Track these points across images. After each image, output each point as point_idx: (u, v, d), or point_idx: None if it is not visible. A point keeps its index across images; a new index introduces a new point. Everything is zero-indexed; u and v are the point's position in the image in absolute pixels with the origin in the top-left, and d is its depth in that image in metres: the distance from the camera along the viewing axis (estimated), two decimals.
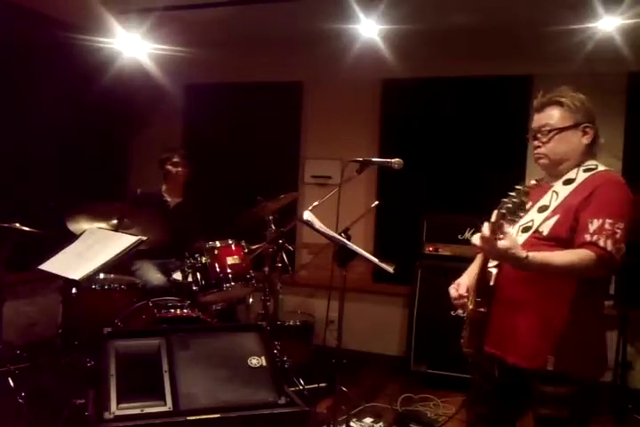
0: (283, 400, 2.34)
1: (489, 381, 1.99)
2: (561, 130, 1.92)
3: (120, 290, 3.41)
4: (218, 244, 3.53)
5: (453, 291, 2.03)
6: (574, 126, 1.92)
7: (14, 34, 4.01)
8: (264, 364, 2.46)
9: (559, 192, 1.89)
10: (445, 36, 4.03)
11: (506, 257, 1.68)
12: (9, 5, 3.88)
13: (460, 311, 1.99)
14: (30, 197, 4.23)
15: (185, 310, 3.15)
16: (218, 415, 2.21)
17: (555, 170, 1.96)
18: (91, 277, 2.64)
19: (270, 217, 3.75)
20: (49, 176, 4.41)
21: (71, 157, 4.55)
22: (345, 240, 2.56)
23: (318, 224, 2.52)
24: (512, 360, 1.87)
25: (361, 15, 3.54)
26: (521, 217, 1.65)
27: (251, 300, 4.12)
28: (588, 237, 1.73)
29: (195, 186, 4.26)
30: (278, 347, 3.59)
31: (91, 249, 2.76)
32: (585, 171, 1.90)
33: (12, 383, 3.20)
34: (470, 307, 1.94)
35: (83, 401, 2.69)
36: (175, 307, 3.18)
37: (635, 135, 4.04)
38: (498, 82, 4.26)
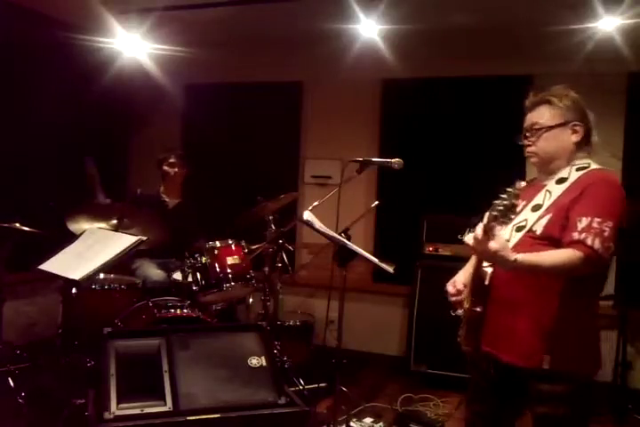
0: (283, 400, 2.34)
1: (486, 379, 2.00)
2: (550, 128, 1.93)
3: (120, 290, 3.41)
4: (218, 244, 3.53)
5: (451, 288, 2.05)
6: (563, 124, 1.93)
7: (14, 34, 4.00)
8: (264, 364, 2.46)
9: (552, 191, 1.91)
10: (445, 36, 4.03)
11: (495, 259, 1.71)
12: (9, 5, 3.88)
13: (459, 311, 2.01)
14: (30, 197, 4.23)
15: (185, 310, 3.15)
16: (218, 415, 2.21)
17: (547, 168, 1.98)
18: (91, 277, 2.64)
19: (270, 217, 3.75)
20: (49, 176, 4.41)
21: (71, 157, 4.55)
22: (345, 240, 2.57)
23: (318, 224, 2.52)
24: (508, 359, 1.88)
25: (361, 15, 3.54)
26: (512, 219, 1.67)
27: (251, 300, 4.12)
28: (575, 236, 1.74)
29: (194, 186, 4.26)
30: (278, 347, 3.59)
31: (91, 249, 2.76)
32: (578, 169, 1.91)
33: (11, 383, 3.20)
34: (466, 306, 1.95)
35: (83, 401, 2.69)
36: (175, 307, 3.18)
37: (635, 135, 4.04)
38: (498, 82, 4.26)
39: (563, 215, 1.81)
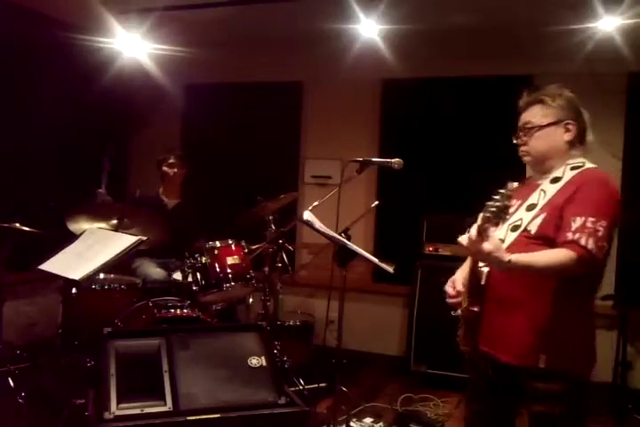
0: (283, 400, 2.34)
1: (484, 378, 2.01)
2: (541, 127, 1.94)
3: (120, 290, 3.41)
4: (218, 244, 3.52)
5: (450, 289, 2.05)
6: (555, 123, 1.93)
7: (14, 34, 4.01)
8: (264, 364, 2.46)
9: (547, 190, 1.91)
10: (445, 36, 4.03)
11: (489, 259, 1.71)
12: (9, 5, 3.88)
13: (459, 311, 2.02)
14: (30, 197, 4.23)
15: (185, 310, 3.15)
16: (218, 415, 2.21)
17: (541, 167, 1.99)
18: (91, 277, 2.64)
19: (270, 217, 3.75)
20: (49, 176, 4.41)
21: (71, 157, 4.55)
22: (345, 240, 2.57)
23: (318, 224, 2.52)
24: (504, 358, 1.89)
25: (361, 15, 3.54)
26: (505, 220, 1.68)
27: (251, 300, 4.12)
28: (569, 236, 1.74)
29: (194, 186, 4.26)
30: (278, 347, 3.59)
31: (91, 249, 2.76)
32: (572, 169, 1.91)
33: (11, 383, 3.20)
34: (464, 306, 1.96)
35: (83, 401, 2.69)
36: (175, 307, 3.18)
37: (635, 135, 4.04)
38: (498, 82, 4.26)
39: (557, 215, 1.82)
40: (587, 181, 1.84)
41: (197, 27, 4.11)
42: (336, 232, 2.60)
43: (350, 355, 2.98)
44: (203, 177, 4.44)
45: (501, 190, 1.62)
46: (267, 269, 3.72)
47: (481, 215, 1.64)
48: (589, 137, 1.97)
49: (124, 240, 2.76)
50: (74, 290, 3.07)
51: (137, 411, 2.18)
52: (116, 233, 2.99)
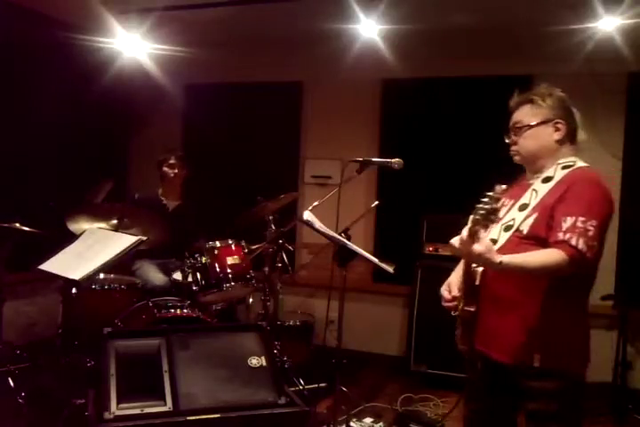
0: (283, 400, 2.34)
1: (481, 377, 2.02)
2: (531, 126, 1.96)
3: (120, 290, 3.41)
4: (218, 244, 3.52)
5: (446, 293, 2.06)
6: (545, 123, 1.95)
7: (14, 34, 4.00)
8: (264, 364, 2.46)
9: (538, 190, 1.92)
10: (445, 36, 4.03)
11: (480, 261, 1.73)
12: (9, 5, 3.88)
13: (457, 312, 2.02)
14: (30, 197, 4.23)
15: (185, 310, 3.15)
16: (218, 415, 2.21)
17: (532, 167, 2.00)
18: (91, 277, 2.64)
19: (270, 217, 3.75)
20: (49, 176, 4.41)
21: (71, 157, 4.55)
22: (345, 240, 2.57)
23: (318, 224, 2.52)
24: (499, 358, 1.90)
25: (361, 15, 3.54)
26: (495, 221, 1.70)
27: (251, 300, 4.12)
28: (560, 236, 1.75)
29: (194, 186, 4.25)
30: (278, 347, 3.59)
31: (91, 249, 2.76)
32: (563, 168, 1.92)
33: (11, 383, 3.20)
34: (460, 306, 1.97)
35: (83, 401, 2.69)
36: (175, 307, 3.18)
37: (635, 135, 4.04)
38: (498, 82, 4.24)
39: (548, 214, 1.83)
40: (577, 180, 1.85)
41: (197, 27, 4.11)
42: (336, 232, 2.60)
43: (350, 355, 2.97)
44: (203, 177, 4.44)
45: (489, 193, 1.64)
46: (267, 269, 3.72)
47: (471, 218, 1.66)
48: (581, 136, 1.98)
49: (124, 240, 2.76)
50: (74, 290, 3.07)
51: (137, 411, 2.18)
52: (116, 233, 2.98)
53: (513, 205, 1.97)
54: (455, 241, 1.75)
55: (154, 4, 3.67)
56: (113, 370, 2.28)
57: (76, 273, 2.57)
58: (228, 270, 3.44)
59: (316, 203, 2.58)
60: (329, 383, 3.24)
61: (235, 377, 2.38)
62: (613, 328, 3.80)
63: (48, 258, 2.79)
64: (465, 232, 1.69)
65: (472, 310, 1.92)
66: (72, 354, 3.19)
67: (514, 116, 2.03)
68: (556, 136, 1.95)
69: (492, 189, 1.65)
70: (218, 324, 3.32)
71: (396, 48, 4.06)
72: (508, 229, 1.91)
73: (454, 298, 2.02)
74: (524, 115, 1.98)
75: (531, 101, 1.98)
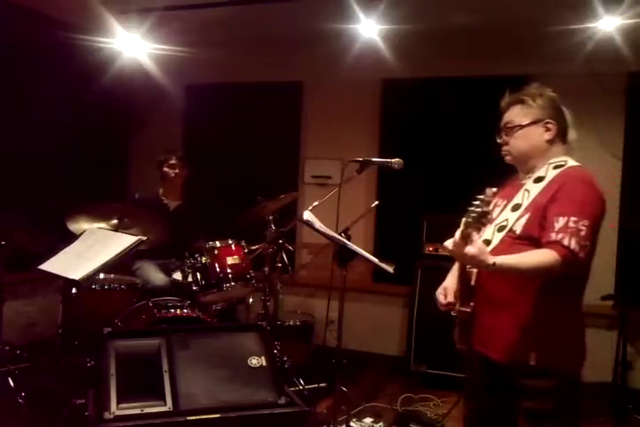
0: (283, 400, 2.34)
1: (480, 377, 2.03)
2: (521, 126, 1.97)
3: (120, 290, 3.41)
4: (218, 244, 3.52)
5: (441, 297, 2.08)
6: (535, 123, 1.96)
7: (14, 34, 4.01)
8: (264, 364, 2.46)
9: (530, 190, 1.93)
10: (445, 36, 4.03)
11: (473, 263, 1.75)
12: (9, 5, 3.88)
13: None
14: (30, 197, 4.23)
15: (185, 310, 3.15)
16: (218, 415, 2.21)
17: (524, 167, 2.02)
18: (91, 277, 2.64)
19: (270, 217, 3.75)
20: (49, 176, 4.41)
21: (71, 157, 4.55)
22: (345, 240, 2.56)
23: (318, 224, 2.52)
24: (495, 357, 1.92)
25: (361, 15, 3.54)
26: (486, 224, 1.71)
27: (251, 300, 4.12)
28: (553, 236, 1.76)
29: (194, 186, 4.25)
30: (278, 347, 3.59)
31: (91, 249, 2.76)
32: (555, 168, 1.93)
33: (11, 383, 3.20)
34: (457, 307, 1.99)
35: (83, 401, 2.69)
36: (175, 307, 3.18)
37: (635, 135, 4.04)
38: (498, 82, 4.23)
39: (541, 215, 1.84)
40: (569, 180, 1.86)
41: (197, 27, 4.11)
42: (336, 232, 2.60)
43: (350, 355, 2.97)
44: (203, 177, 4.43)
45: (480, 196, 1.66)
46: (267, 269, 3.72)
47: (463, 220, 1.67)
48: (571, 136, 1.99)
49: (124, 240, 2.76)
50: (74, 290, 3.06)
51: (137, 411, 2.18)
52: (116, 233, 2.98)
53: (506, 205, 1.98)
54: (448, 244, 1.75)
55: (154, 3, 3.67)
56: (113, 370, 2.28)
57: (76, 273, 2.57)
58: (228, 270, 3.44)
59: (316, 203, 2.58)
60: (329, 383, 3.24)
61: (235, 377, 2.38)
62: (613, 328, 3.80)
63: (48, 258, 2.79)
64: (457, 235, 1.71)
65: (468, 310, 1.94)
66: (72, 354, 3.19)
67: (505, 116, 2.04)
68: (547, 136, 1.96)
69: (482, 193, 1.67)
70: (218, 324, 3.32)
71: (395, 48, 4.06)
72: (501, 229, 1.92)
73: (449, 304, 2.04)
74: (515, 115, 2.00)
75: (521, 102, 1.99)
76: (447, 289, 2.08)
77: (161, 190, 4.11)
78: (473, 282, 1.94)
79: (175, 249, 3.72)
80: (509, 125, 2.00)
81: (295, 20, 3.97)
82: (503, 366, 1.90)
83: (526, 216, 1.87)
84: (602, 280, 3.87)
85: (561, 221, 1.76)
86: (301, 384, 3.45)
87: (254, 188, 4.07)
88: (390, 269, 2.64)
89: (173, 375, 2.30)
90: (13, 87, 4.15)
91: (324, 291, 3.38)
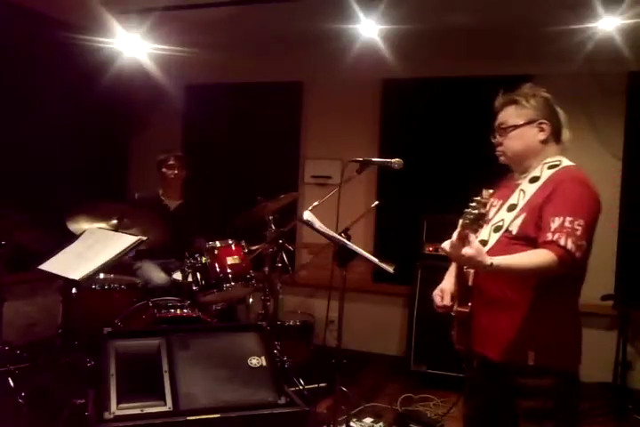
0: (283, 400, 2.34)
1: (479, 376, 2.04)
2: (515, 127, 1.98)
3: (120, 290, 3.41)
4: (218, 244, 3.52)
5: (438, 299, 2.09)
6: (529, 123, 1.97)
7: (14, 34, 4.01)
8: (264, 364, 2.46)
9: (526, 190, 1.94)
10: (445, 36, 4.03)
11: (471, 264, 1.74)
12: (9, 5, 3.88)
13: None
14: (30, 196, 4.23)
15: (185, 310, 3.15)
16: (218, 415, 2.21)
17: (518, 167, 2.02)
18: (91, 277, 2.64)
19: (270, 217, 3.75)
20: (49, 176, 4.41)
21: (71, 157, 4.55)
22: (345, 240, 2.56)
23: (318, 224, 2.52)
24: (493, 357, 1.92)
25: (361, 15, 3.54)
26: (482, 226, 1.71)
27: (251, 300, 4.12)
28: (549, 236, 1.76)
29: (195, 186, 4.25)
30: (278, 347, 3.59)
31: (91, 249, 2.76)
32: (549, 168, 1.94)
33: (11, 383, 3.20)
34: (455, 307, 1.99)
35: (83, 401, 2.69)
36: (175, 307, 3.18)
37: (635, 135, 4.04)
38: (498, 82, 4.24)
39: (536, 215, 1.84)
40: (564, 180, 1.86)
41: (197, 27, 4.11)
42: (336, 232, 2.60)
43: (350, 355, 2.97)
44: (203, 177, 4.44)
45: (477, 198, 1.66)
46: (267, 269, 3.72)
47: (460, 222, 1.67)
48: (565, 136, 2.00)
49: (124, 240, 2.76)
50: (74, 290, 3.07)
51: (137, 411, 2.18)
52: (116, 233, 2.99)
53: (501, 205, 1.99)
54: (446, 245, 1.76)
55: (154, 3, 3.67)
56: (113, 370, 2.28)
57: (76, 273, 2.57)
58: (228, 270, 3.44)
59: (316, 203, 2.58)
60: (329, 383, 3.23)
61: (235, 377, 2.38)
62: (613, 328, 3.81)
63: (48, 258, 2.79)
64: (455, 236, 1.71)
65: (466, 310, 1.95)
66: (72, 354, 3.19)
67: (499, 116, 2.05)
68: (541, 136, 1.97)
69: (479, 194, 1.68)
70: (218, 324, 3.32)
71: (396, 48, 4.06)
72: (497, 229, 1.93)
73: (445, 306, 2.05)
74: (509, 115, 2.00)
75: (515, 102, 2.00)
76: (444, 291, 2.09)
77: (161, 190, 4.11)
78: (470, 282, 1.95)
79: (175, 249, 3.71)
80: (503, 126, 2.01)
81: (295, 20, 3.97)
82: (502, 366, 1.91)
83: (522, 216, 1.88)
84: (602, 280, 3.87)
85: (557, 222, 1.77)
86: (301, 384, 3.45)
87: (254, 188, 4.06)
88: (390, 269, 2.64)
89: (173, 375, 2.30)
90: (13, 87, 4.15)
91: (324, 291, 3.39)
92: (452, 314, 2.04)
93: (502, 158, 2.04)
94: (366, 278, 4.66)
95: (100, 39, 4.08)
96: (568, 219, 1.76)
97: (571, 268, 1.76)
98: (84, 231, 3.02)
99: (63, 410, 2.79)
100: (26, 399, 3.11)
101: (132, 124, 5.33)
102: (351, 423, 3.20)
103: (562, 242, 1.73)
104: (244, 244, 3.59)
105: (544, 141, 1.97)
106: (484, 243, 1.90)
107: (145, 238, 2.77)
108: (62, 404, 2.83)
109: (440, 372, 3.96)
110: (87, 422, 2.45)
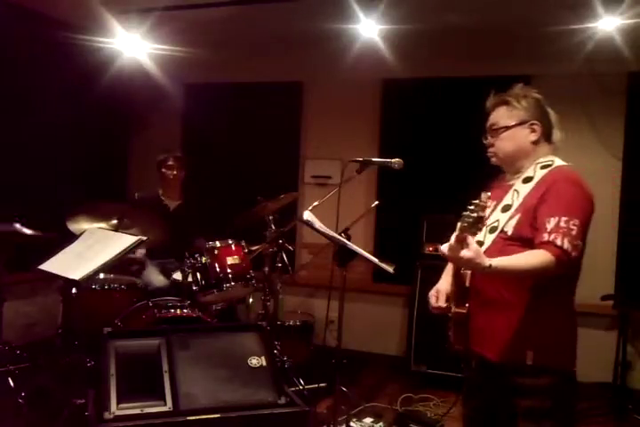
0: (283, 400, 2.34)
1: (478, 376, 2.05)
2: (507, 128, 1.99)
3: (120, 290, 3.41)
4: (218, 244, 3.52)
5: (433, 299, 2.10)
6: (520, 124, 1.98)
7: (14, 34, 4.01)
8: (264, 364, 2.46)
9: (520, 191, 1.94)
10: (445, 36, 4.03)
11: (469, 266, 1.76)
12: (9, 5, 3.88)
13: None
14: (30, 197, 4.23)
15: (185, 310, 3.15)
16: (218, 415, 2.21)
17: (511, 168, 2.03)
18: (91, 277, 2.64)
19: (270, 217, 3.75)
20: (49, 176, 4.41)
21: (71, 157, 4.55)
22: (345, 240, 2.56)
23: (318, 224, 2.52)
24: (491, 357, 1.93)
25: (361, 15, 3.54)
26: (481, 229, 1.73)
27: (251, 300, 4.12)
28: (545, 237, 1.77)
29: (195, 186, 4.25)
30: (278, 347, 3.59)
31: (91, 249, 2.76)
32: (542, 168, 1.94)
33: (11, 383, 3.20)
34: (453, 308, 2.00)
35: (83, 401, 2.69)
36: (175, 307, 3.18)
37: (635, 135, 4.04)
38: (498, 82, 4.24)
39: (531, 215, 1.85)
40: (557, 180, 1.87)
41: (197, 27, 4.11)
42: (336, 232, 2.60)
43: (350, 355, 2.97)
44: (203, 177, 4.44)
45: (475, 201, 1.66)
46: (267, 269, 3.72)
47: (458, 225, 1.68)
48: (556, 136, 2.00)
49: (124, 240, 2.76)
50: (74, 290, 3.07)
51: (137, 411, 2.18)
52: (116, 233, 2.98)
53: (496, 206, 1.99)
54: (444, 248, 1.76)
55: (154, 3, 3.67)
56: (113, 370, 2.27)
57: (76, 273, 2.57)
58: (228, 270, 3.44)
59: (316, 203, 2.58)
60: (329, 383, 3.24)
61: (235, 377, 2.38)
62: (613, 328, 3.81)
63: (48, 258, 2.79)
64: (453, 239, 1.71)
65: (464, 311, 1.95)
66: (72, 354, 3.19)
67: (490, 117, 2.06)
68: (532, 137, 1.97)
69: (477, 197, 1.68)
70: (218, 324, 3.31)
71: (396, 48, 4.06)
72: (493, 230, 1.94)
73: (440, 307, 2.06)
74: (500, 117, 2.02)
75: (506, 103, 2.01)
76: (440, 291, 2.10)
77: (161, 190, 4.11)
78: (467, 284, 1.95)
79: (175, 249, 3.71)
80: (495, 127, 2.02)
81: (295, 20, 3.97)
82: (500, 366, 1.91)
83: (517, 217, 1.88)
84: (602, 280, 3.87)
85: (552, 222, 1.77)
86: (301, 384, 3.45)
87: (254, 188, 4.06)
88: (390, 269, 2.63)
89: (173, 375, 2.30)
90: (13, 87, 4.15)
91: (324, 291, 3.39)
92: (449, 315, 2.04)
93: (494, 159, 2.06)
94: (366, 278, 4.66)
95: (100, 39, 4.08)
96: (563, 219, 1.77)
97: (567, 267, 1.77)
98: (84, 231, 3.01)
99: (63, 410, 2.79)
100: (26, 399, 3.11)
101: (132, 124, 5.33)
102: (351, 423, 3.20)
103: (558, 242, 1.74)
104: (244, 244, 3.59)
105: (535, 142, 1.97)
106: (480, 244, 1.90)
107: (145, 238, 2.77)
108: (62, 404, 2.83)
109: (440, 372, 3.96)
110: (87, 422, 2.44)
